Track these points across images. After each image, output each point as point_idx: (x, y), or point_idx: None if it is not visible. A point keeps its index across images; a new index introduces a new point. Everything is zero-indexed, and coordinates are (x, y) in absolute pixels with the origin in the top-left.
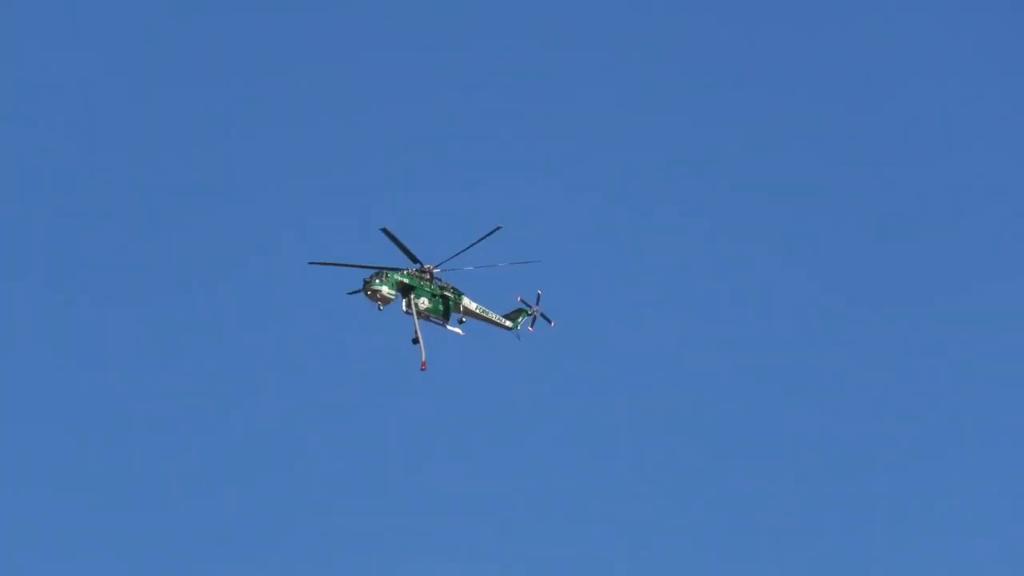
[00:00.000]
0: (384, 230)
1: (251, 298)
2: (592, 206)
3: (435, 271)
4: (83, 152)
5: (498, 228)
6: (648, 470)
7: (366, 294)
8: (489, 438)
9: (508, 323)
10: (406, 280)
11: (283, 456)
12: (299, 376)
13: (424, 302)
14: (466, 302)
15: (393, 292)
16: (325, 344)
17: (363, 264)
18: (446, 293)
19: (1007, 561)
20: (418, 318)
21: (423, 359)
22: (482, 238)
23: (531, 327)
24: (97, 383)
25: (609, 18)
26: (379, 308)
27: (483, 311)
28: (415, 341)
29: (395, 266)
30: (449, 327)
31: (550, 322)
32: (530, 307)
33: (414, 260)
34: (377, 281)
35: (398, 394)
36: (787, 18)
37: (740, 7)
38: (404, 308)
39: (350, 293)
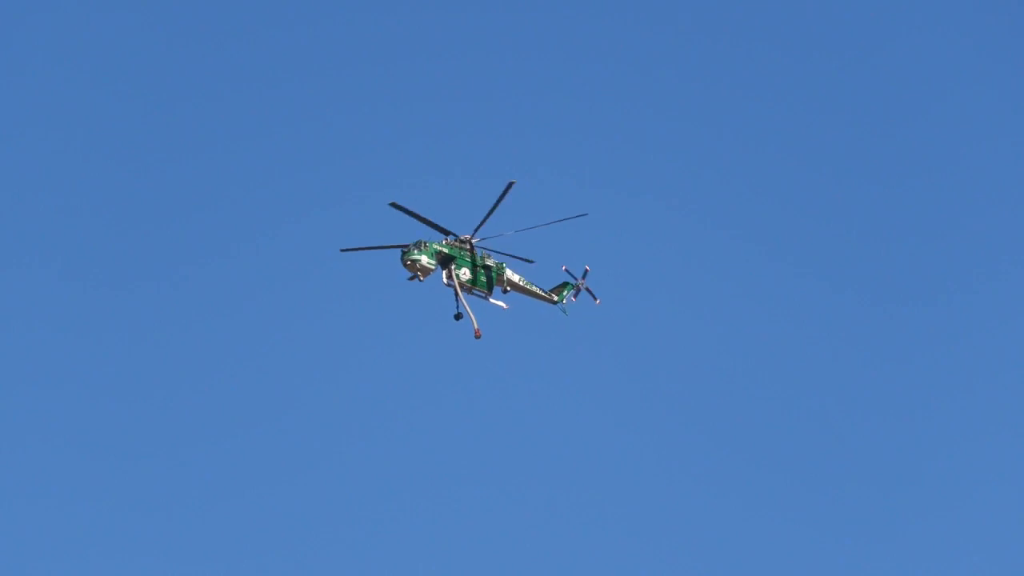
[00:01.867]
0: (394, 204)
1: (278, 287)
2: (609, 201)
3: (474, 241)
4: (82, 153)
5: (512, 184)
6: (673, 466)
7: (404, 264)
8: (532, 416)
9: (554, 296)
10: (446, 250)
11: (324, 425)
12: (334, 353)
13: (466, 272)
14: (508, 274)
15: (433, 262)
16: (366, 325)
17: (395, 244)
18: (488, 263)
19: (1009, 563)
20: (460, 290)
21: (475, 326)
22: (501, 197)
23: (575, 297)
24: (107, 382)
25: (610, 19)
26: (419, 279)
27: (527, 283)
28: (458, 316)
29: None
30: (492, 300)
31: (596, 300)
32: (576, 279)
33: (445, 232)
34: (416, 251)
35: (443, 372)
36: (791, 21)
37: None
38: (444, 280)
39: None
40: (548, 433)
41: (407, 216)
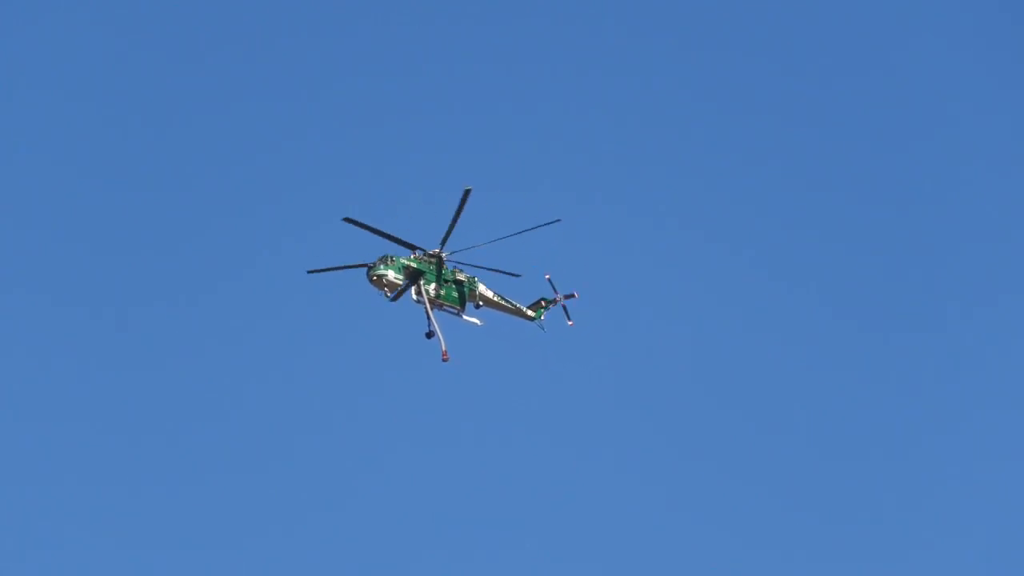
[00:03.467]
0: (348, 219)
1: (250, 303)
2: (601, 214)
3: (444, 256)
4: (82, 155)
5: (469, 190)
6: (664, 476)
7: (370, 280)
8: (509, 436)
9: (530, 312)
10: (414, 264)
11: (292, 456)
12: (307, 375)
13: (435, 288)
14: (482, 289)
15: (400, 277)
16: (334, 342)
17: (364, 263)
18: (459, 277)
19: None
20: (431, 307)
21: (443, 348)
22: (460, 206)
23: (569, 320)
24: (112, 385)
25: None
26: (386, 296)
27: (501, 298)
28: (429, 335)
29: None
30: (465, 316)
31: (574, 295)
32: (556, 294)
33: (410, 247)
34: (382, 266)
35: (415, 390)
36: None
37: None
38: (414, 296)
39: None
40: (520, 462)
41: (370, 233)
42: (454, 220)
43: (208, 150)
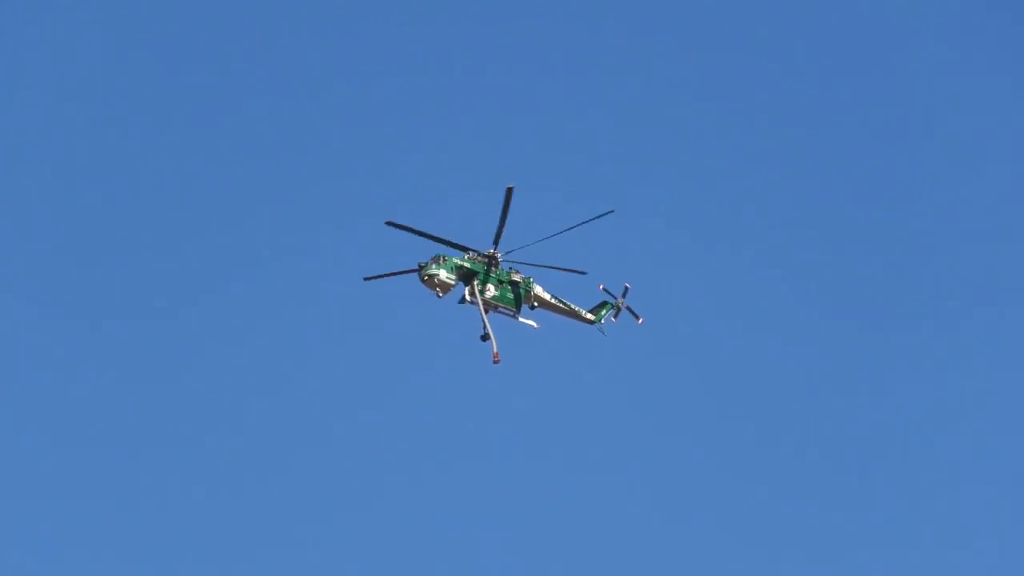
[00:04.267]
0: (390, 223)
1: (284, 304)
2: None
3: (499, 256)
4: (83, 156)
5: (511, 189)
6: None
7: (422, 280)
8: (566, 442)
9: (589, 315)
10: (467, 264)
11: (330, 457)
12: (351, 376)
13: (490, 289)
14: (538, 290)
15: (452, 277)
16: (379, 340)
17: (446, 240)
18: (515, 278)
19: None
20: (485, 309)
21: (494, 350)
22: (505, 206)
23: (615, 318)
24: (119, 388)
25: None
26: (438, 295)
27: (559, 301)
28: (484, 337)
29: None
30: (521, 319)
31: (638, 319)
32: (615, 298)
33: (462, 249)
34: (433, 265)
35: (468, 392)
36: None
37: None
38: (467, 297)
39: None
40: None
41: (418, 236)
42: (502, 220)
43: (218, 151)
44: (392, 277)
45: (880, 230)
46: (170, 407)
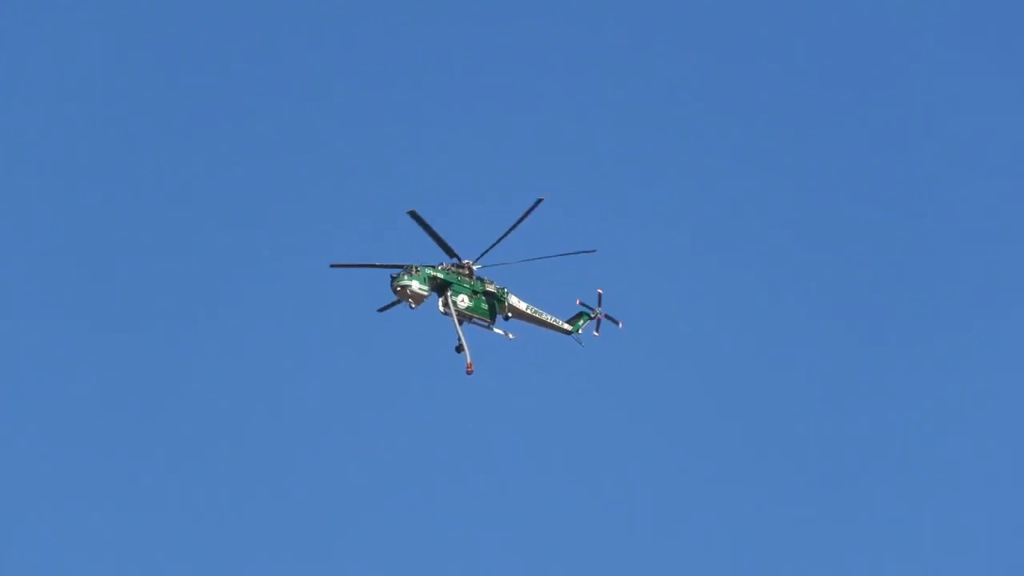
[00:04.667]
0: (412, 213)
1: (268, 307)
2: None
3: (475, 267)
4: (85, 156)
5: (540, 201)
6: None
7: (394, 291)
8: (542, 454)
9: (567, 325)
10: (440, 275)
11: (313, 470)
12: (329, 386)
13: (463, 300)
14: (514, 301)
15: (425, 288)
16: (354, 351)
17: (390, 264)
18: (489, 289)
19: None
20: (459, 319)
21: (468, 360)
22: (525, 215)
23: (596, 331)
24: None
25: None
26: (410, 306)
27: (535, 311)
28: (459, 349)
29: (427, 263)
30: (496, 329)
31: (617, 323)
32: (592, 310)
33: (451, 254)
34: (406, 276)
35: (440, 405)
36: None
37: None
38: (441, 308)
39: (381, 310)
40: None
41: (413, 233)
42: (512, 229)
43: (217, 152)
44: (361, 268)
45: (881, 233)
46: (159, 412)
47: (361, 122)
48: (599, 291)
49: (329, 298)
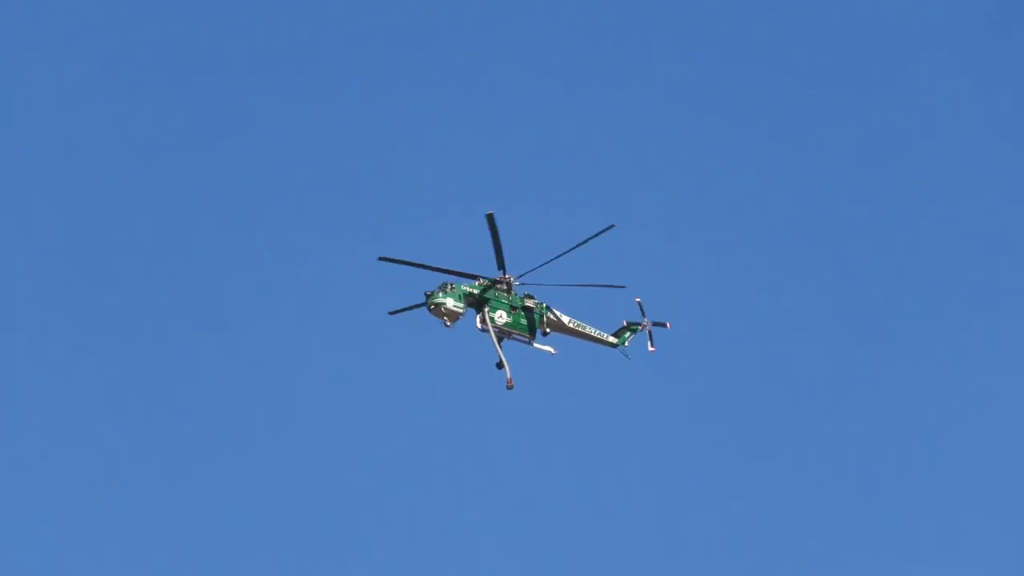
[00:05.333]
0: (490, 217)
1: (301, 313)
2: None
3: (514, 282)
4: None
5: (611, 227)
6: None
7: (428, 309)
8: (583, 466)
9: (612, 339)
10: (476, 291)
11: (346, 485)
12: (363, 401)
13: (502, 316)
14: (556, 315)
15: (461, 306)
16: (390, 364)
17: (436, 267)
18: (528, 304)
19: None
20: (498, 336)
21: (508, 375)
22: (590, 238)
23: (652, 346)
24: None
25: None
26: (446, 325)
27: (579, 325)
28: (499, 365)
29: (473, 272)
30: (537, 345)
31: (665, 325)
32: (639, 323)
33: (501, 266)
34: (440, 294)
35: (481, 421)
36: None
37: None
38: (478, 324)
39: (392, 313)
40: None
41: (487, 226)
42: (570, 250)
43: (219, 152)
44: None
45: (885, 237)
46: (166, 415)
47: (360, 132)
48: (637, 300)
49: (371, 305)
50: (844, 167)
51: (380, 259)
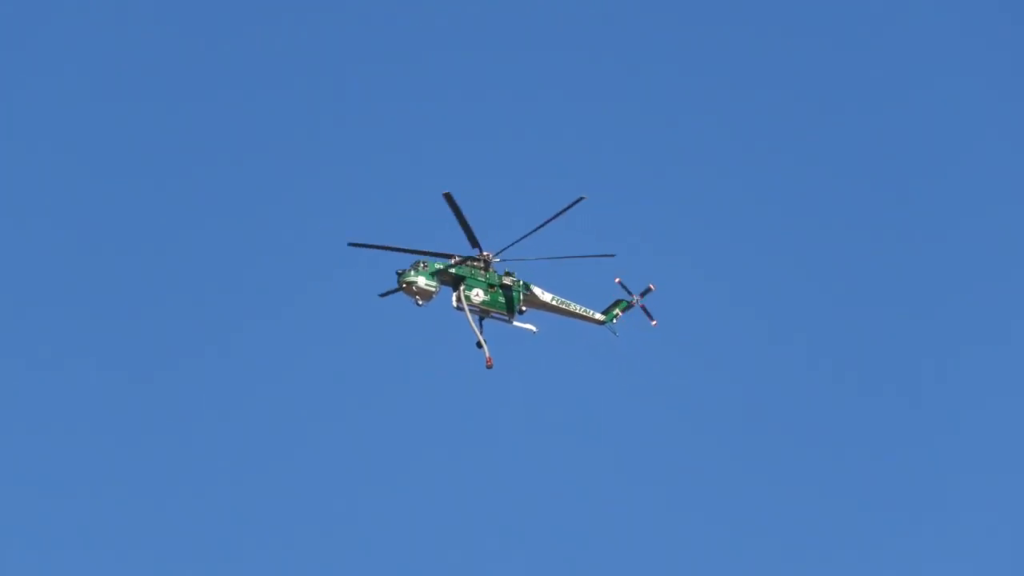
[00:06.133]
0: (447, 196)
1: (275, 302)
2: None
3: (493, 259)
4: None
5: (580, 199)
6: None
7: (400, 287)
8: (572, 452)
9: (599, 316)
10: (452, 270)
11: (329, 470)
12: (344, 383)
13: (478, 294)
14: (537, 292)
15: (434, 284)
16: (371, 346)
17: (410, 249)
18: (506, 282)
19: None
20: (475, 315)
21: (487, 355)
22: (561, 212)
23: (653, 320)
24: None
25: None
26: (417, 303)
27: (562, 302)
28: (479, 344)
29: (446, 251)
30: (517, 323)
31: (652, 321)
32: (631, 296)
33: (474, 244)
34: (412, 272)
35: (461, 402)
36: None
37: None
38: (454, 303)
39: (383, 295)
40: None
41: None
42: (544, 224)
43: (218, 152)
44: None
45: (887, 229)
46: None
47: (382, 110)
48: (617, 280)
49: (343, 289)
50: (844, 167)
51: (350, 244)
